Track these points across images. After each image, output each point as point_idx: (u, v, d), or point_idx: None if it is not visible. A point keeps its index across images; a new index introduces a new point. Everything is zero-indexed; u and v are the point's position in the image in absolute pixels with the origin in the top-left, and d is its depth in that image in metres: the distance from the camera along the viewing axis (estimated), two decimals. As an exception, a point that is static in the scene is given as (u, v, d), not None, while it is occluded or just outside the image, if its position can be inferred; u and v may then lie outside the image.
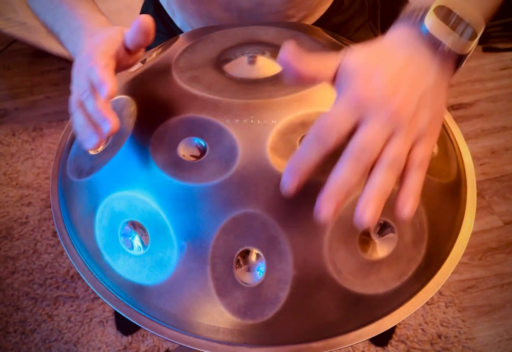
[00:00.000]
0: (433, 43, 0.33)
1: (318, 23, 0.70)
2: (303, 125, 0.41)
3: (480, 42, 1.66)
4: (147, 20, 0.41)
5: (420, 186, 0.32)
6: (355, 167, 0.30)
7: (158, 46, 0.56)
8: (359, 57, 0.34)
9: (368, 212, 0.29)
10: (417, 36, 0.34)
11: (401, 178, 0.32)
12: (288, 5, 0.63)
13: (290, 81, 0.34)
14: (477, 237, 1.19)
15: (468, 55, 0.34)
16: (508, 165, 1.35)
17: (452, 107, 1.50)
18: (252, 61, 0.47)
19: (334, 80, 0.34)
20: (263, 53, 0.47)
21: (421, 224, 0.40)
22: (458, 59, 0.34)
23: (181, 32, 0.72)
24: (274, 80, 0.45)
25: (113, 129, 0.38)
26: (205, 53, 0.49)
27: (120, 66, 0.44)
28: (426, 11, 0.34)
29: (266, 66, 0.46)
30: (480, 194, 1.27)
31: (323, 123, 0.31)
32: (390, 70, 0.33)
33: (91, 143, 0.39)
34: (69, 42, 0.49)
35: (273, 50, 0.48)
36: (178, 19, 0.72)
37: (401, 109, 0.31)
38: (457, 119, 0.52)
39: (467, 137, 1.38)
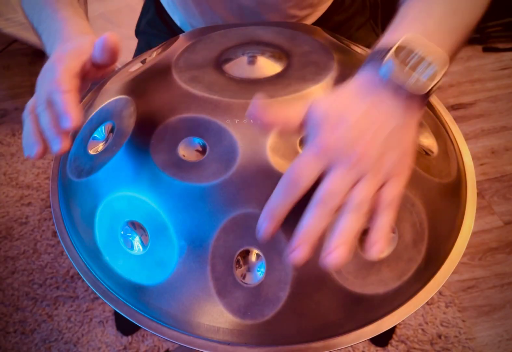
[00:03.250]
0: (394, 88, 0.34)
1: (319, 21, 0.70)
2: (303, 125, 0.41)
3: (480, 42, 1.67)
4: (112, 39, 0.39)
5: (388, 226, 0.33)
6: (323, 213, 0.32)
7: (158, 46, 0.56)
8: (323, 106, 0.35)
9: (334, 255, 0.31)
10: (378, 82, 0.35)
11: (371, 219, 0.33)
12: (289, 4, 0.63)
13: (262, 131, 0.38)
14: (477, 237, 1.19)
15: (434, 91, 0.35)
16: (508, 165, 1.35)
17: (452, 107, 1.50)
18: (252, 61, 0.47)
19: (301, 128, 0.35)
20: (263, 53, 0.47)
21: (421, 224, 0.40)
22: (425, 96, 0.35)
23: (182, 31, 0.72)
24: (274, 80, 0.45)
25: (63, 150, 0.38)
26: (205, 53, 0.49)
27: (87, 79, 0.43)
28: (387, 53, 0.34)
29: (266, 66, 0.46)
30: (480, 194, 1.27)
31: (293, 171, 0.33)
32: (353, 118, 0.34)
33: (33, 152, 0.39)
34: (47, 44, 0.48)
35: (273, 50, 0.48)
36: (178, 19, 0.72)
37: (365, 155, 0.33)
38: (457, 119, 0.53)
39: (467, 137, 1.38)
